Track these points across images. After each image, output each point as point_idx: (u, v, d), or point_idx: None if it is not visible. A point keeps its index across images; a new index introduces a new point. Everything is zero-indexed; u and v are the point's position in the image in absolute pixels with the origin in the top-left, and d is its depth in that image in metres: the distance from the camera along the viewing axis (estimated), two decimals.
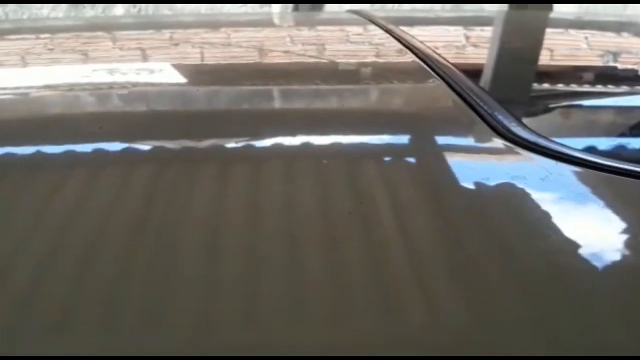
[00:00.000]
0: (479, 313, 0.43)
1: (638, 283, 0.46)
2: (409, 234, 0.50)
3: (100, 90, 0.79)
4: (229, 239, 0.49)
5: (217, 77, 0.88)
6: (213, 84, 0.85)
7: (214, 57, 0.99)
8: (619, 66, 1.05)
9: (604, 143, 0.69)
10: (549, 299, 0.44)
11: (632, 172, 0.58)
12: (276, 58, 0.99)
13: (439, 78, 0.79)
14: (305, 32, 1.25)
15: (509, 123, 0.64)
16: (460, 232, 0.50)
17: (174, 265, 0.45)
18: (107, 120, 0.69)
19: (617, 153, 0.66)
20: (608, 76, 0.99)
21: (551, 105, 0.83)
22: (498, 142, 0.62)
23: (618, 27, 1.43)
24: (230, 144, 0.64)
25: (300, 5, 5.12)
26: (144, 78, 0.85)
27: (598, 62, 1.07)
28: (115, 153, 0.62)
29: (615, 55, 1.09)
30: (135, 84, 0.81)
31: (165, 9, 5.28)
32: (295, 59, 0.97)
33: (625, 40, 1.27)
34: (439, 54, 0.90)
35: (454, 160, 0.62)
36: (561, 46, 1.16)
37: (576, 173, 0.58)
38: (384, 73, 0.92)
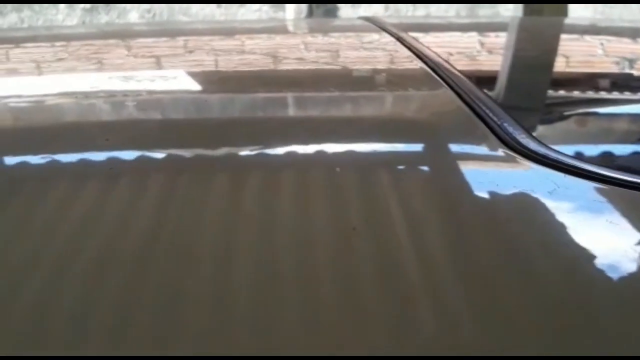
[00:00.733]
0: (489, 324, 0.42)
1: None
2: (415, 243, 0.50)
3: (113, 98, 0.80)
4: (240, 247, 0.49)
5: (230, 84, 0.89)
6: (226, 91, 0.85)
7: (227, 64, 0.99)
8: (632, 74, 1.04)
9: (614, 155, 0.68)
10: (557, 311, 0.43)
11: None
12: (287, 66, 0.99)
13: (448, 87, 0.78)
14: (317, 40, 1.25)
15: (517, 134, 0.63)
16: (466, 243, 0.50)
17: (185, 274, 0.45)
18: (119, 128, 0.69)
19: (627, 166, 0.65)
20: (619, 85, 0.98)
21: (560, 115, 0.83)
22: (506, 154, 0.61)
23: (632, 33, 1.41)
24: (243, 153, 0.64)
25: (315, 11, 5.14)
26: (157, 86, 0.85)
27: (608, 70, 1.06)
28: (128, 161, 0.62)
29: (629, 62, 1.08)
30: (148, 92, 0.82)
31: (179, 14, 5.31)
32: (306, 67, 0.97)
33: (638, 47, 1.26)
34: (448, 62, 0.90)
35: (461, 171, 0.61)
36: (572, 54, 1.15)
37: (585, 186, 0.57)
38: (393, 82, 0.92)
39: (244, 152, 0.64)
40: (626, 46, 1.27)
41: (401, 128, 0.71)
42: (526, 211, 0.54)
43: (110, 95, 0.81)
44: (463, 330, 0.42)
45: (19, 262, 0.47)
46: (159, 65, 0.97)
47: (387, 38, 1.11)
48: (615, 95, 0.92)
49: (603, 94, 0.92)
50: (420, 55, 0.95)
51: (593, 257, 0.49)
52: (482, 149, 0.65)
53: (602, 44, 1.25)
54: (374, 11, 5.26)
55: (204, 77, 0.91)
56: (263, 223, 0.52)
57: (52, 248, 0.49)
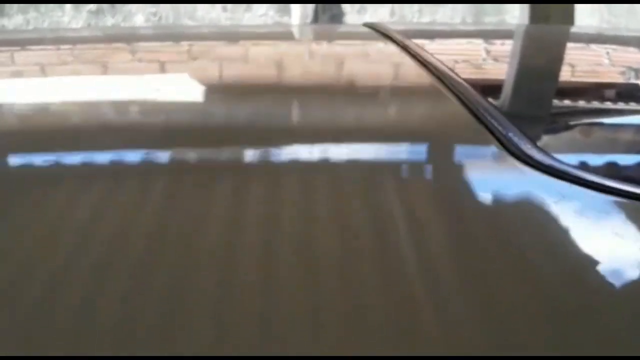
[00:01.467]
0: (492, 331, 0.42)
1: None
2: (420, 252, 0.49)
3: (116, 103, 0.80)
4: (245, 252, 0.49)
5: (234, 91, 0.88)
6: (230, 97, 0.85)
7: (231, 70, 0.99)
8: (638, 84, 1.04)
9: (619, 166, 0.67)
10: (562, 320, 0.43)
11: None
12: (290, 73, 0.99)
13: (453, 96, 0.78)
14: (321, 47, 1.25)
15: (523, 145, 0.63)
16: (472, 252, 0.50)
17: (189, 278, 0.46)
18: (122, 133, 0.69)
19: (632, 177, 0.64)
20: (625, 95, 0.97)
21: (565, 125, 0.82)
22: (512, 164, 0.61)
23: (638, 42, 1.41)
24: (247, 159, 0.64)
25: (320, 17, 5.14)
26: (161, 91, 0.85)
27: (614, 80, 1.06)
28: (132, 166, 0.62)
29: (635, 72, 1.08)
30: (152, 97, 0.82)
31: (185, 17, 5.33)
32: (309, 75, 0.97)
33: None
34: (453, 71, 0.89)
35: (466, 181, 0.61)
36: (578, 64, 1.15)
37: (590, 197, 0.56)
38: (397, 91, 0.92)
39: (251, 158, 0.64)
40: (632, 56, 1.26)
41: (406, 137, 0.71)
42: (532, 221, 0.54)
43: (114, 99, 0.81)
44: (463, 339, 0.42)
45: (18, 265, 0.47)
46: (163, 69, 0.97)
47: (392, 46, 1.11)
48: (620, 105, 0.92)
49: (608, 104, 0.92)
50: (425, 64, 0.95)
51: (599, 268, 0.48)
52: (488, 159, 0.65)
53: (607, 53, 1.25)
54: (380, 17, 5.27)
55: (208, 83, 0.91)
56: (268, 228, 0.52)
57: (55, 249, 0.49)
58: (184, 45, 1.20)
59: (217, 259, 0.48)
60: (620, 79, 1.06)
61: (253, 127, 0.72)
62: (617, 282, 0.48)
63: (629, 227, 0.54)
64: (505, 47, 1.35)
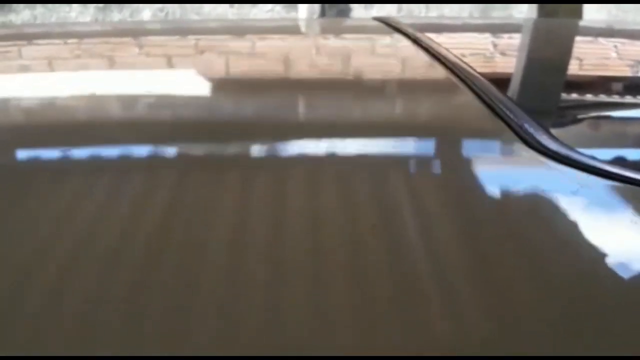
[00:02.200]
0: (505, 324, 0.42)
1: None
2: (435, 243, 0.49)
3: (122, 97, 0.80)
4: (253, 246, 0.48)
5: (242, 85, 0.88)
6: (237, 91, 0.85)
7: (238, 65, 0.99)
8: None
9: (636, 155, 0.67)
10: (577, 312, 0.43)
11: None
12: (300, 67, 0.99)
13: (466, 88, 0.78)
14: (331, 41, 1.25)
15: (538, 135, 0.63)
16: (487, 243, 0.50)
17: (197, 271, 0.45)
18: (129, 127, 0.69)
19: None
20: (638, 87, 0.97)
21: (581, 116, 0.82)
22: (528, 154, 0.61)
23: None
24: (254, 153, 0.64)
25: (327, 12, 5.13)
26: (168, 85, 0.85)
27: (626, 73, 1.05)
28: (138, 159, 0.62)
29: None
30: (159, 91, 0.82)
31: (192, 13, 5.33)
32: (320, 68, 0.97)
33: None
34: (466, 63, 0.89)
35: (482, 171, 0.61)
36: (590, 56, 1.14)
37: (607, 186, 0.56)
38: (410, 82, 0.92)
39: (259, 153, 0.64)
40: None
41: (422, 129, 0.71)
42: (550, 211, 0.54)
43: (122, 93, 0.82)
44: (483, 330, 0.41)
45: (27, 257, 0.47)
46: (170, 64, 0.97)
47: (403, 39, 1.11)
48: (635, 97, 0.92)
49: (622, 97, 0.92)
50: (437, 56, 0.94)
51: (617, 257, 0.48)
52: (504, 149, 0.65)
53: (615, 46, 1.24)
54: (386, 12, 5.26)
55: (215, 77, 0.91)
56: (279, 221, 0.52)
57: (63, 241, 0.49)
58: (201, 38, 1.20)
59: (230, 250, 0.48)
60: (631, 72, 1.06)
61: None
62: (636, 270, 0.47)
63: None
64: (517, 40, 1.35)
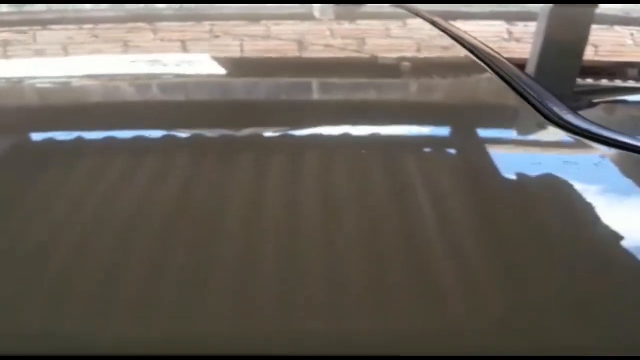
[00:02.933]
0: (524, 306, 0.41)
1: None
2: (461, 221, 0.49)
3: (138, 81, 0.81)
4: (267, 229, 0.48)
5: (259, 69, 0.89)
6: (253, 75, 0.85)
7: (253, 49, 0.99)
8: None
9: None
10: (597, 291, 0.42)
11: None
12: (322, 52, 0.99)
13: (488, 68, 0.80)
14: (356, 25, 1.25)
15: (560, 111, 0.64)
16: (513, 218, 0.50)
17: (211, 252, 0.45)
18: (144, 110, 0.70)
19: None
20: None
21: (601, 98, 0.83)
22: (551, 130, 0.62)
23: None
24: (269, 136, 0.64)
25: None
26: (183, 69, 0.85)
27: None
28: (153, 142, 0.62)
29: None
30: (174, 75, 0.82)
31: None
32: (345, 52, 0.98)
33: None
34: (486, 45, 0.91)
35: (506, 147, 0.63)
36: (608, 41, 1.15)
37: (629, 159, 0.58)
38: (433, 64, 0.93)
39: (274, 136, 0.64)
40: None
41: (448, 110, 0.72)
42: (572, 183, 0.55)
43: (136, 77, 0.83)
44: (495, 313, 0.41)
45: (41, 237, 0.47)
46: (184, 49, 0.98)
47: (424, 23, 1.12)
48: None
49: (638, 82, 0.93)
50: (458, 39, 0.96)
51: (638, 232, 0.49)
52: (528, 126, 0.67)
53: (631, 34, 1.25)
54: None
55: (230, 61, 0.92)
56: (293, 202, 0.51)
57: (78, 222, 0.49)
58: (214, 25, 1.21)
59: (247, 230, 0.48)
60: None
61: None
62: None
63: None
64: (534, 26, 1.35)
